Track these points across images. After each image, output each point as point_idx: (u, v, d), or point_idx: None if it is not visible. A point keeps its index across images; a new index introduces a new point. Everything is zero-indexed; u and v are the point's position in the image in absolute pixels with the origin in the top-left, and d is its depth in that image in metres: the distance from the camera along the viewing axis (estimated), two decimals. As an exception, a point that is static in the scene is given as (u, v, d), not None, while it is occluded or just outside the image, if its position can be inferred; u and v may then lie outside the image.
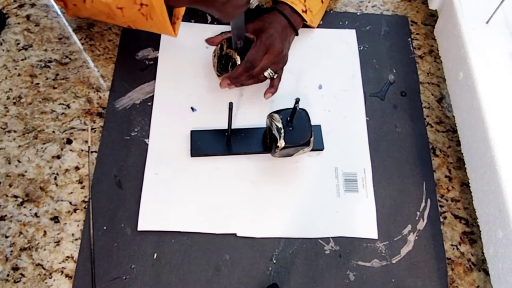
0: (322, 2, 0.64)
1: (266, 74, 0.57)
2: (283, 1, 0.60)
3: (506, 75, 0.53)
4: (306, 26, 0.65)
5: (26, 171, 0.55)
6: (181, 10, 0.55)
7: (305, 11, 0.61)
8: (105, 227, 0.52)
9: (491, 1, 0.56)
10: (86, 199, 0.53)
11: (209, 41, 0.61)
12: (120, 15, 0.53)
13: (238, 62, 0.56)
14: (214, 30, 0.64)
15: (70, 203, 0.53)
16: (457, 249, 0.53)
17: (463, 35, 0.55)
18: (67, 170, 0.55)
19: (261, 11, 0.67)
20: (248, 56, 0.55)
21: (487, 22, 0.56)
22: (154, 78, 0.61)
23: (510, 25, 0.57)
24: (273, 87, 0.59)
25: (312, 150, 0.54)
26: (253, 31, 0.57)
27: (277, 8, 0.60)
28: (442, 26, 0.63)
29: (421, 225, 0.54)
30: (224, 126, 0.56)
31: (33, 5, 0.66)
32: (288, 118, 0.52)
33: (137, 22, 0.54)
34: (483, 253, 0.51)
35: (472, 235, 0.54)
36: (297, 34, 0.62)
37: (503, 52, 0.54)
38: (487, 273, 0.51)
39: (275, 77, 0.58)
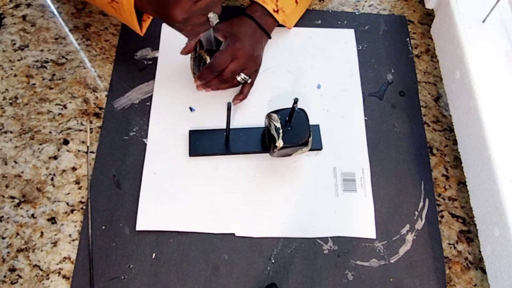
0: (296, 2, 0.63)
1: (239, 79, 0.56)
2: (255, 0, 0.59)
3: (502, 74, 0.53)
4: (281, 26, 0.64)
5: (22, 172, 0.54)
6: None
7: (277, 11, 0.61)
8: (103, 227, 0.51)
9: (487, 0, 0.56)
10: (83, 200, 0.53)
11: (185, 51, 0.58)
12: None
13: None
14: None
15: (67, 203, 0.53)
16: (454, 247, 0.54)
17: (459, 34, 0.56)
18: (64, 170, 0.55)
19: (237, 11, 0.65)
20: (213, 58, 0.54)
21: (483, 21, 0.57)
22: (153, 78, 0.61)
23: (506, 24, 0.57)
24: (241, 94, 0.58)
25: (310, 150, 0.54)
26: (222, 34, 0.56)
27: (245, 12, 0.59)
28: (438, 25, 0.63)
29: (419, 224, 0.54)
30: (223, 126, 0.56)
31: (29, 5, 0.66)
32: (287, 118, 0.52)
33: (107, 11, 0.54)
34: (480, 251, 0.51)
35: (469, 234, 0.54)
36: (269, 37, 0.61)
37: (499, 51, 0.55)
38: (484, 271, 0.52)
39: (248, 81, 0.57)
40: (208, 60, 0.55)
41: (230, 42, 0.55)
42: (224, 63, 0.54)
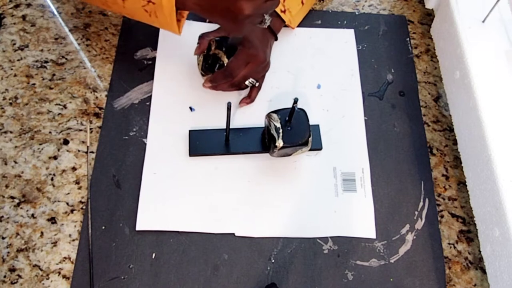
0: (302, 3, 0.63)
1: (247, 83, 0.57)
2: None
3: (502, 73, 0.53)
4: (284, 26, 0.64)
5: (22, 172, 0.54)
6: None
7: (284, 11, 0.61)
8: (103, 227, 0.51)
9: (487, 0, 0.56)
10: (83, 200, 0.53)
11: (198, 51, 0.57)
12: (120, 5, 0.51)
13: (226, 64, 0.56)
14: (212, 28, 0.64)
15: (67, 203, 0.53)
16: (454, 247, 0.54)
17: (459, 34, 0.56)
18: (64, 170, 0.55)
19: None
20: (228, 64, 0.55)
21: (483, 21, 0.57)
22: (153, 78, 0.61)
23: (506, 24, 0.57)
24: (250, 98, 0.59)
25: (310, 149, 0.54)
26: (234, 38, 0.56)
27: None
28: (438, 25, 0.63)
29: (419, 224, 0.54)
30: (223, 125, 0.56)
31: (29, 5, 0.66)
32: (287, 118, 0.52)
33: (137, 15, 0.52)
34: (480, 251, 0.51)
35: (469, 234, 0.54)
36: (276, 39, 0.62)
37: (499, 51, 0.55)
38: (484, 271, 0.52)
39: (256, 85, 0.58)
40: (226, 61, 0.55)
41: (244, 47, 0.55)
42: (238, 69, 0.55)
